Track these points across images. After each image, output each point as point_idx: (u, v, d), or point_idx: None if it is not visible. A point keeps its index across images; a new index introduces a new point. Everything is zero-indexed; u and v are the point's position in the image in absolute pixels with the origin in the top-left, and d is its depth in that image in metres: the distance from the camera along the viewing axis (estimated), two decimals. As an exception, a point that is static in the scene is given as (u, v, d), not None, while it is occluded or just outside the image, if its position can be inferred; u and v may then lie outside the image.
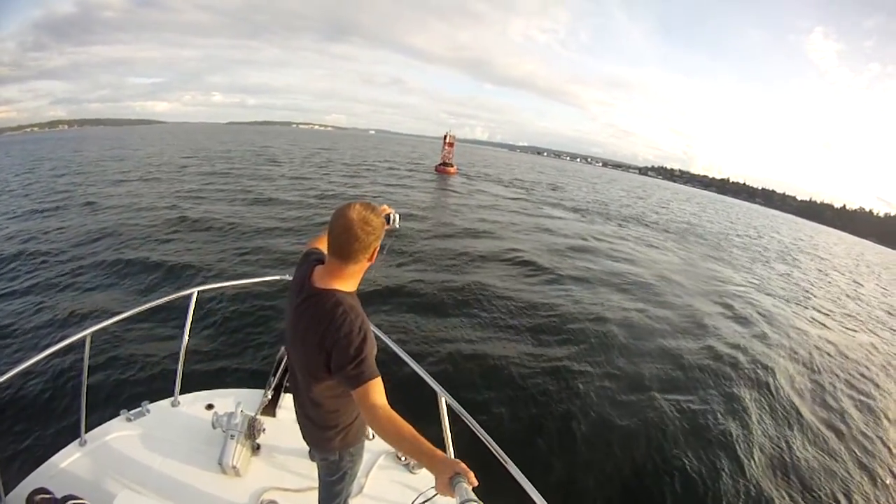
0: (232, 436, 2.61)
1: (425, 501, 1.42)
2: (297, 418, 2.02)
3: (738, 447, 6.43)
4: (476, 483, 1.27)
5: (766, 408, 7.78)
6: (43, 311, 7.71)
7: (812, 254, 40.99)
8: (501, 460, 2.06)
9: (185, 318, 3.06)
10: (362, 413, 1.58)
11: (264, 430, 2.81)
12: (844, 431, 7.77)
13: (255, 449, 2.77)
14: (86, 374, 2.76)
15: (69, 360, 5.69)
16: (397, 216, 2.21)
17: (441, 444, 2.40)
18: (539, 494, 1.86)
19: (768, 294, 16.86)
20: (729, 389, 8.00)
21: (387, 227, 2.13)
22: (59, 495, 2.14)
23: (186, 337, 3.09)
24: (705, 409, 7.18)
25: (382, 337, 2.69)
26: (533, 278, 12.71)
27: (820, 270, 29.54)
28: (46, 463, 2.51)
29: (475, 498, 1.21)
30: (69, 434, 2.74)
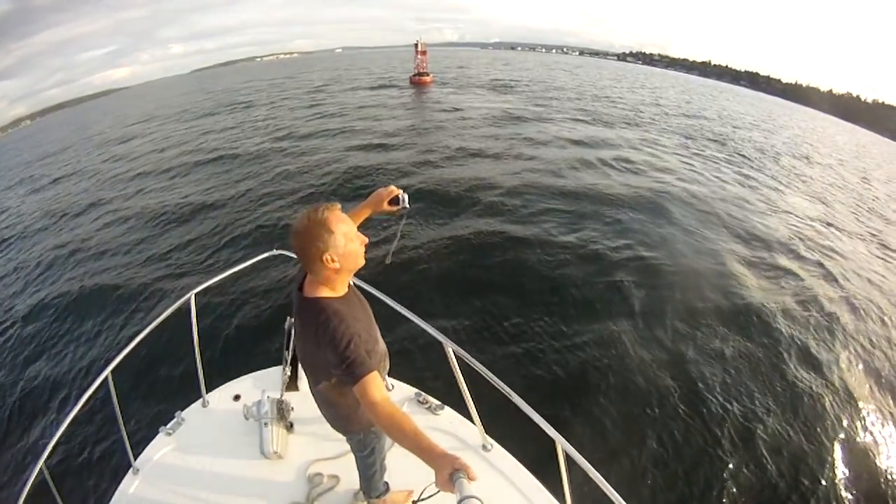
0: (265, 423, 2.78)
1: (427, 497, 1.46)
2: (319, 405, 2.13)
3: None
4: (476, 478, 1.29)
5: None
6: (53, 364, 7.52)
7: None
8: (506, 394, 2.30)
9: (190, 321, 3.17)
10: (364, 409, 1.62)
11: (293, 408, 2.98)
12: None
13: (290, 427, 2.93)
14: (118, 409, 2.89)
15: (99, 401, 5.62)
16: (406, 196, 2.19)
17: (457, 392, 2.62)
18: (549, 425, 2.08)
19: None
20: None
21: (397, 207, 2.18)
22: None
23: (196, 338, 3.20)
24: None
25: (384, 298, 2.82)
26: (545, 206, 11.82)
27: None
28: (111, 502, 2.64)
29: (475, 494, 1.24)
30: (122, 464, 2.86)
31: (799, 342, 7.12)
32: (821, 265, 10.30)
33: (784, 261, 10.12)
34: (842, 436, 5.61)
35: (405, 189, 2.22)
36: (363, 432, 2.14)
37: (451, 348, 2.52)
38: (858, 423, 5.86)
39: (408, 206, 2.20)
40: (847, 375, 6.66)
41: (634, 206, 12.13)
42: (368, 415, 1.60)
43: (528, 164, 15.62)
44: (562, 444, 2.04)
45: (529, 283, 8.09)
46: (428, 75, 46.89)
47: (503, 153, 16.94)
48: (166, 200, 14.58)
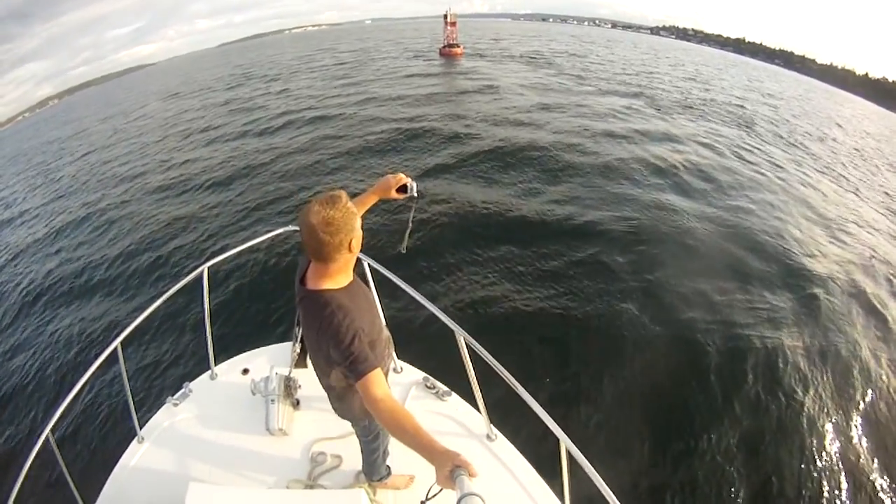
0: (272, 400, 2.79)
1: (433, 496, 1.42)
2: (325, 390, 2.13)
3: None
4: (476, 474, 1.28)
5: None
6: (63, 330, 7.72)
7: None
8: (514, 388, 2.26)
9: (202, 294, 3.20)
10: (365, 404, 1.63)
11: (300, 386, 2.98)
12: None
13: (296, 405, 2.95)
14: (126, 378, 2.95)
15: (109, 371, 5.92)
16: (415, 185, 2.18)
17: (465, 380, 2.61)
18: (554, 422, 2.07)
19: None
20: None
21: (405, 195, 2.17)
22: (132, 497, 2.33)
23: (207, 311, 3.25)
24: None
25: (399, 283, 2.83)
26: (582, 189, 11.22)
27: None
28: (115, 470, 2.71)
29: (475, 491, 1.22)
30: (128, 432, 2.93)
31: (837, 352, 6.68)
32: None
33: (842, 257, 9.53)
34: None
35: (415, 177, 2.20)
36: (368, 419, 2.15)
37: (462, 337, 2.51)
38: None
39: (416, 194, 2.18)
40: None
41: (685, 192, 11.59)
42: (369, 410, 1.61)
43: (567, 142, 14.87)
44: (565, 444, 2.03)
45: (556, 267, 7.90)
46: (458, 47, 45.77)
47: (539, 131, 16.21)
48: (186, 175, 14.84)
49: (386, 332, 2.13)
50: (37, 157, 27.45)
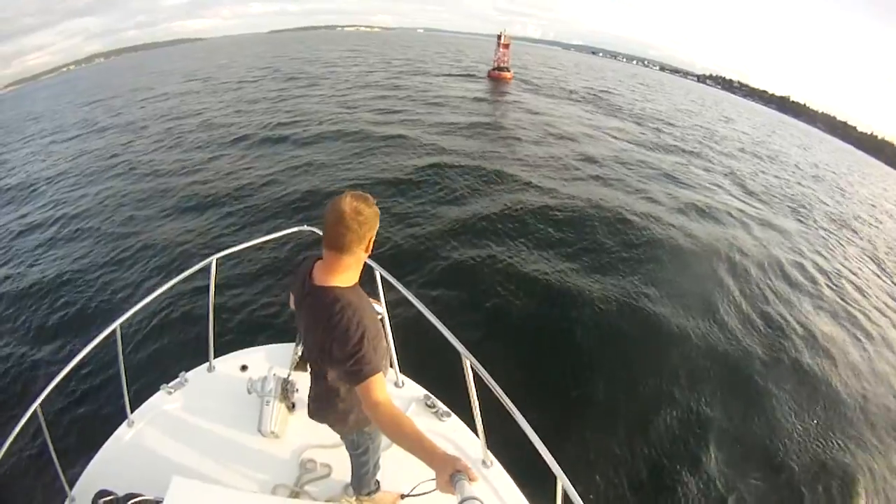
0: (267, 402, 2.74)
1: (418, 494, 1.46)
2: (312, 400, 2.12)
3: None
4: (476, 479, 1.29)
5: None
6: (65, 308, 7.67)
7: None
8: (514, 417, 2.18)
9: (208, 284, 3.18)
10: (364, 408, 1.61)
11: (297, 389, 2.92)
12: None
13: (291, 408, 2.89)
14: (121, 361, 2.90)
15: (105, 352, 5.84)
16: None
17: (466, 402, 2.54)
18: (553, 459, 1.98)
19: None
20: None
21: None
22: (119, 490, 2.25)
23: (212, 302, 3.23)
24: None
25: (410, 298, 2.76)
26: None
27: None
28: (101, 451, 2.68)
29: (475, 496, 1.23)
30: (118, 415, 2.87)
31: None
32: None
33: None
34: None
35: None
36: (354, 433, 2.14)
37: (468, 361, 2.44)
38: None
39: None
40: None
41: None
42: (369, 414, 1.60)
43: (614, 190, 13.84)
44: (563, 482, 1.95)
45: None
46: (508, 71, 44.58)
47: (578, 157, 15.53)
48: (220, 164, 14.85)
49: (384, 343, 2.09)
50: (72, 119, 27.95)
